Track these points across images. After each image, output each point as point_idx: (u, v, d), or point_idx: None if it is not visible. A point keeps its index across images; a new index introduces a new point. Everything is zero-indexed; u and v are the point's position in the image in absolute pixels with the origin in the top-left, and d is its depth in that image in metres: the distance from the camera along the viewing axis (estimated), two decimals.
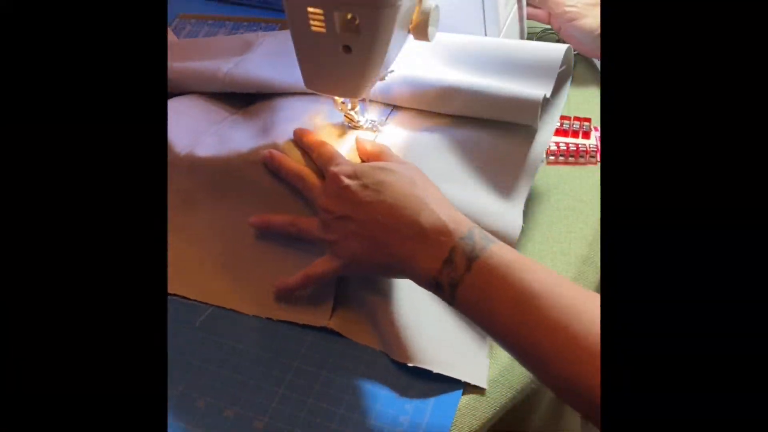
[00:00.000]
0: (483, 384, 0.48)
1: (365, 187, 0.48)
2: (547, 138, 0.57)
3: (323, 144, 0.55)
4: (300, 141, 0.56)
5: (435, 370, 0.48)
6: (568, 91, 0.60)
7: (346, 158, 0.54)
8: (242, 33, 0.85)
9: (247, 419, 0.47)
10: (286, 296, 0.54)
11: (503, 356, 0.50)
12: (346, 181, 0.49)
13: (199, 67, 0.68)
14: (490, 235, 0.45)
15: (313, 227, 0.52)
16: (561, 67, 0.57)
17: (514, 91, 0.56)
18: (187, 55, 0.71)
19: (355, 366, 0.50)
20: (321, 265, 0.51)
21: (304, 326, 0.53)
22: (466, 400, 0.48)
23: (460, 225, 0.45)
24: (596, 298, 0.40)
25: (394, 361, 0.49)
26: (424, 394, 0.48)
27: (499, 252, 0.43)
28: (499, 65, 0.60)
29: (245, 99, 0.67)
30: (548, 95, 0.56)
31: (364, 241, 0.47)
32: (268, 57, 0.68)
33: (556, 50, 0.57)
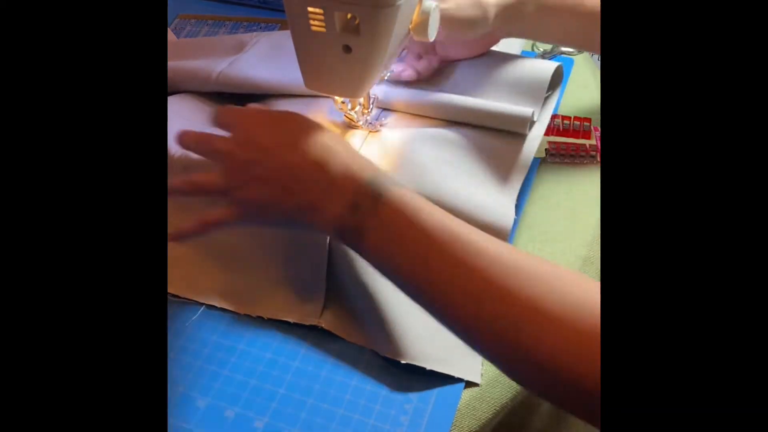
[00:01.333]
0: (477, 379, 0.48)
1: (275, 133, 0.47)
2: (539, 134, 0.59)
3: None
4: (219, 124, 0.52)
5: (428, 367, 0.48)
6: (564, 90, 0.61)
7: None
8: (242, 33, 0.85)
9: (247, 419, 0.47)
10: (182, 240, 0.51)
11: None
12: (255, 127, 0.48)
13: (193, 66, 0.68)
14: (395, 179, 0.45)
15: (211, 177, 0.49)
16: (548, 92, 0.60)
17: (504, 108, 0.58)
18: (182, 54, 0.71)
19: (355, 366, 0.50)
20: (219, 211, 0.48)
21: (304, 326, 0.53)
22: (466, 400, 0.48)
23: (365, 170, 0.45)
24: (504, 245, 0.41)
25: (393, 362, 0.49)
26: (424, 395, 0.48)
27: (403, 194, 0.43)
28: (490, 83, 0.61)
29: (239, 100, 0.68)
30: (536, 116, 0.58)
31: (270, 187, 0.46)
32: (262, 57, 0.68)
33: (546, 69, 0.59)
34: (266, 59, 0.68)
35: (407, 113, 0.63)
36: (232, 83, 0.66)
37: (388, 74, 0.62)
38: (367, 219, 0.43)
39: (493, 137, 0.59)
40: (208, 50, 0.71)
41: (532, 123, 0.59)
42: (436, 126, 0.60)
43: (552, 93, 0.61)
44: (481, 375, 0.49)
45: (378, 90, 0.61)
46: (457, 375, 0.48)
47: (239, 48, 0.70)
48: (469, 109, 0.59)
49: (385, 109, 0.63)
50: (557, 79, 0.62)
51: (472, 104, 0.59)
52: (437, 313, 0.42)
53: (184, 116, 0.65)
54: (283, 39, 0.70)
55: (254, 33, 0.74)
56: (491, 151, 0.58)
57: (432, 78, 0.63)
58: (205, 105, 0.67)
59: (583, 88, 0.74)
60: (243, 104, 0.67)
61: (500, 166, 0.57)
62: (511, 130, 0.58)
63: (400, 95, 0.62)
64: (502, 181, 0.57)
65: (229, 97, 0.67)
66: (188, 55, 0.71)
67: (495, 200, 0.55)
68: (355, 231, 0.43)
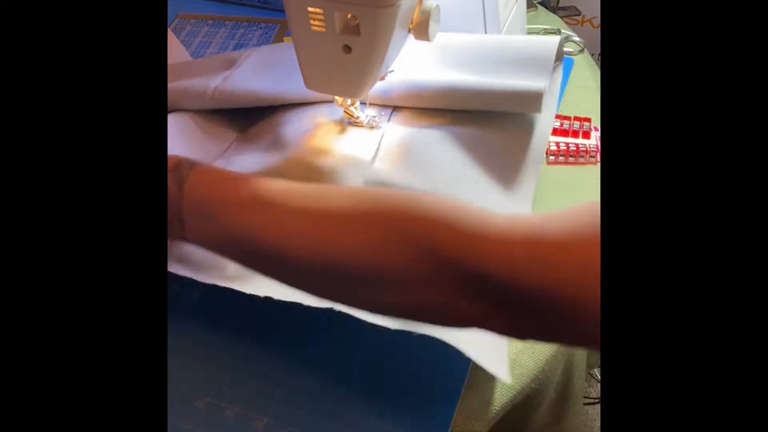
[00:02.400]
0: (506, 378, 0.45)
1: None
2: (547, 128, 0.59)
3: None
4: None
5: (472, 358, 0.44)
6: (564, 90, 0.61)
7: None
8: (242, 33, 0.85)
9: (247, 419, 0.47)
10: None
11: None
12: None
13: (187, 84, 0.67)
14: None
15: None
16: (555, 62, 0.59)
17: (514, 85, 0.57)
18: (173, 76, 0.71)
19: (355, 366, 0.50)
20: None
21: (304, 327, 0.53)
22: (466, 400, 0.48)
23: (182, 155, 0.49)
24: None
25: (394, 362, 0.49)
26: (425, 395, 0.48)
27: (215, 167, 0.46)
28: (495, 62, 0.61)
29: (236, 114, 0.67)
30: (548, 88, 0.57)
31: None
32: (256, 69, 0.68)
33: (550, 43, 0.59)
34: (259, 71, 0.67)
35: (410, 109, 0.62)
36: (228, 98, 0.65)
37: (389, 74, 0.62)
38: (185, 176, 0.45)
39: (500, 134, 0.58)
40: (199, 69, 0.71)
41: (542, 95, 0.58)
42: (439, 124, 0.60)
43: (556, 68, 0.61)
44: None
45: (378, 85, 0.60)
46: (493, 372, 0.44)
47: (230, 64, 0.70)
48: (476, 94, 0.58)
49: (387, 106, 0.63)
50: (559, 53, 0.61)
51: (478, 87, 0.58)
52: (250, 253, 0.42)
53: (183, 137, 0.64)
54: (275, 51, 0.70)
55: (244, 51, 0.73)
56: (500, 150, 0.58)
57: (433, 65, 0.63)
58: (204, 122, 0.67)
59: (583, 88, 0.74)
60: (240, 118, 0.67)
61: (511, 165, 0.57)
62: (524, 111, 0.58)
63: (401, 88, 0.61)
64: (514, 181, 0.56)
65: (227, 113, 0.67)
66: (179, 76, 0.70)
67: (510, 202, 0.55)
68: (177, 191, 0.45)
